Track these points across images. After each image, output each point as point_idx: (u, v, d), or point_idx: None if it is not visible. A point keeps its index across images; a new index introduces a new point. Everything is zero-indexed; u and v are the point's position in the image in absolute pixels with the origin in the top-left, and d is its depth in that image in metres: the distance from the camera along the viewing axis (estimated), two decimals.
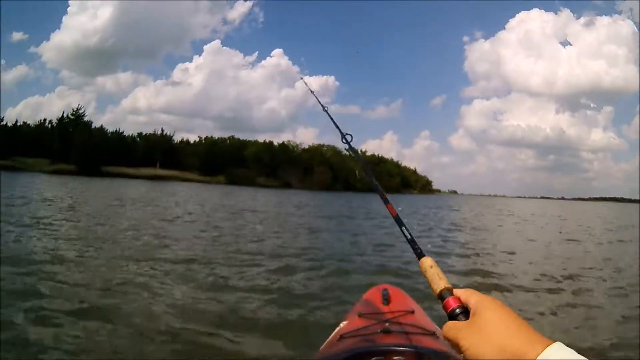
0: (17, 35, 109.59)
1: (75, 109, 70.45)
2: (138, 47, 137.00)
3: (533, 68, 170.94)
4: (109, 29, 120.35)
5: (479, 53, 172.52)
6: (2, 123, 63.66)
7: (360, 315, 2.12)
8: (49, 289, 5.11)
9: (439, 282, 0.86)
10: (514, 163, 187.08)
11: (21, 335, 3.71)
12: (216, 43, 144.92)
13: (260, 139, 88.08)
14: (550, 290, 6.60)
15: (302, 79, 2.46)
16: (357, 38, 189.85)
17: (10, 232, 8.78)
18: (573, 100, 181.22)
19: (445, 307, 0.80)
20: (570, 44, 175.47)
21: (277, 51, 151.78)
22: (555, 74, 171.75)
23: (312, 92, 2.24)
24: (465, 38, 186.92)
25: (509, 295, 6.24)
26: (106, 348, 3.61)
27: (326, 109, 1.75)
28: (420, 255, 0.96)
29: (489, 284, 6.83)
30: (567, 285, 6.93)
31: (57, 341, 3.65)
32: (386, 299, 2.30)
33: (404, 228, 1.06)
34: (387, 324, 1.89)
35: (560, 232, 17.79)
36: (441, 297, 0.83)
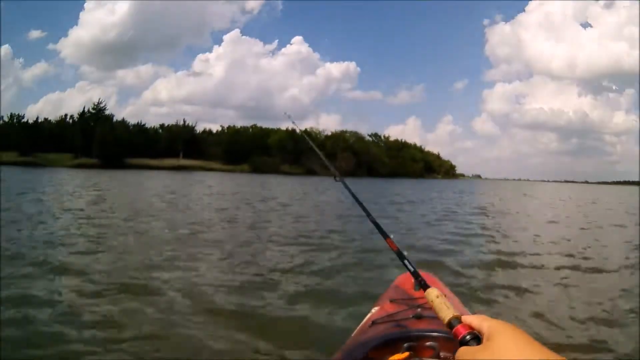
0: (34, 33, 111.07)
1: (96, 103, 71.09)
2: (157, 40, 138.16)
3: (554, 51, 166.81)
4: (126, 23, 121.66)
5: (500, 36, 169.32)
6: (23, 120, 64.42)
7: (391, 301, 2.10)
8: (93, 270, 5.43)
9: (447, 311, 0.86)
10: (537, 147, 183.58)
11: (68, 311, 4.01)
12: (235, 32, 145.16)
13: (283, 126, 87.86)
14: (568, 269, 6.71)
15: (294, 123, 2.62)
16: (377, 23, 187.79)
17: (42, 224, 9.13)
18: (595, 83, 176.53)
19: (455, 335, 0.80)
20: (591, 26, 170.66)
21: (297, 38, 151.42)
22: (577, 57, 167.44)
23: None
24: (486, 21, 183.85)
25: (528, 273, 6.36)
26: (148, 322, 3.85)
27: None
28: (425, 286, 0.99)
29: (511, 262, 6.98)
30: (584, 265, 7.00)
31: (103, 316, 3.93)
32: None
33: (406, 261, 1.10)
34: (419, 309, 1.85)
35: (584, 216, 17.53)
36: (450, 325, 0.83)
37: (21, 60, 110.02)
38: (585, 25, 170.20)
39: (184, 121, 78.72)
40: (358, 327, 1.95)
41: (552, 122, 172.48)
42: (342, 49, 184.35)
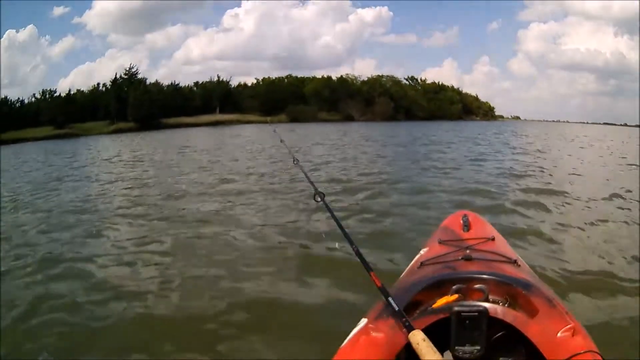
0: (58, 10, 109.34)
1: (127, 69, 70.02)
2: (183, 1, 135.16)
3: None
4: None
5: None
6: (55, 95, 63.80)
7: (440, 242, 2.11)
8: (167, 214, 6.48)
9: (433, 355, 0.85)
10: (575, 88, 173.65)
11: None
12: None
13: (318, 74, 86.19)
14: (600, 200, 6.95)
15: None
16: None
17: (103, 185, 10.67)
18: (631, 24, 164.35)
19: None
20: None
21: None
22: None
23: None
24: None
25: (563, 204, 6.66)
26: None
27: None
28: (409, 328, 1.00)
29: (551, 192, 7.44)
30: (616, 199, 7.07)
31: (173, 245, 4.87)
32: (466, 226, 2.29)
33: (390, 299, 1.16)
34: (467, 250, 1.87)
35: (624, 157, 16.84)
36: None
37: (47, 37, 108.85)
38: None
39: (218, 77, 78.07)
40: (407, 269, 1.98)
41: (589, 63, 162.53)
42: None
